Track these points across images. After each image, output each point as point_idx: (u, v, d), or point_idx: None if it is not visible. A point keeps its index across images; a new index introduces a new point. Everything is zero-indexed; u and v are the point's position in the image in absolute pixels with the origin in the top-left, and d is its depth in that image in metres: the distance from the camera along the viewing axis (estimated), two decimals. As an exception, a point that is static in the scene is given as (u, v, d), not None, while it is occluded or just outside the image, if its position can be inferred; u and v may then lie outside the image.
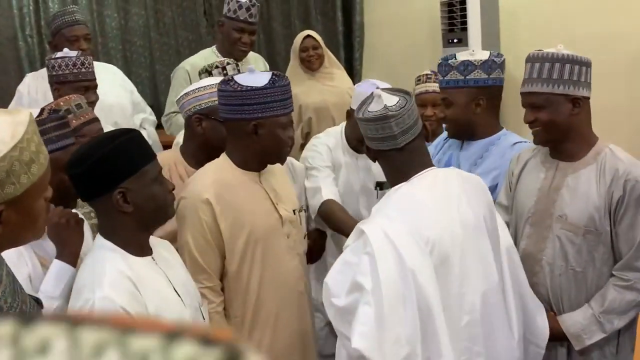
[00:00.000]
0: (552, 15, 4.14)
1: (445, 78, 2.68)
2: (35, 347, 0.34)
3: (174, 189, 1.97)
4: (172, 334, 0.35)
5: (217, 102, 2.42)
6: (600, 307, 2.31)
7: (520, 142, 2.71)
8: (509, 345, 2.14)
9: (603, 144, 2.37)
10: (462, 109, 2.66)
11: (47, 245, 1.99)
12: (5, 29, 5.14)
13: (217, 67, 3.24)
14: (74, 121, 2.29)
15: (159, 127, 4.23)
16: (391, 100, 2.07)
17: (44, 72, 3.66)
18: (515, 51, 4.15)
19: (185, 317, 1.95)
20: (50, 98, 3.35)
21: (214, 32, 5.39)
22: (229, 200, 2.28)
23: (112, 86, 3.89)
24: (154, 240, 2.00)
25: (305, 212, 2.84)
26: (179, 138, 3.12)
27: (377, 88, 2.85)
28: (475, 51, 2.73)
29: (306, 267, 2.63)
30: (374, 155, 2.16)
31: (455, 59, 2.67)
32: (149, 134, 3.89)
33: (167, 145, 3.62)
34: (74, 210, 2.08)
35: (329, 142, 3.15)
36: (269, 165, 2.40)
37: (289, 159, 2.86)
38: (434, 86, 3.45)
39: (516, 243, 2.37)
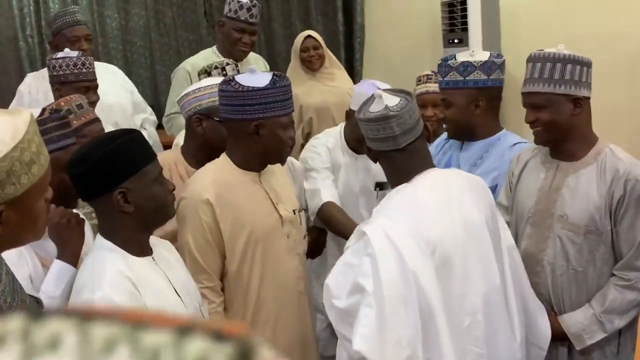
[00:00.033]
0: (553, 16, 4.14)
1: (445, 79, 2.68)
2: (45, 342, 0.34)
3: (174, 189, 1.97)
4: (184, 329, 0.35)
5: (217, 102, 2.42)
6: (601, 306, 2.31)
7: (520, 142, 2.72)
8: (511, 346, 2.14)
9: (603, 144, 2.37)
10: (462, 110, 2.66)
11: (48, 245, 1.99)
12: (6, 29, 5.14)
13: (216, 67, 3.24)
14: (74, 121, 2.30)
15: (159, 127, 4.23)
16: (392, 101, 2.06)
17: (44, 72, 3.67)
18: (516, 51, 4.15)
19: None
20: (51, 98, 3.35)
21: (215, 32, 5.39)
22: (229, 200, 2.28)
23: (113, 86, 3.89)
24: (154, 240, 2.00)
25: (305, 212, 2.83)
26: (179, 139, 3.12)
27: (378, 89, 2.86)
28: (475, 52, 2.73)
29: (306, 267, 2.63)
30: (375, 156, 2.16)
31: (455, 59, 2.67)
32: (150, 134, 3.89)
33: (167, 146, 3.62)
34: (74, 211, 2.09)
35: (328, 143, 3.14)
36: (269, 166, 2.40)
37: (290, 159, 2.85)
38: (434, 86, 3.45)
39: (517, 243, 2.37)
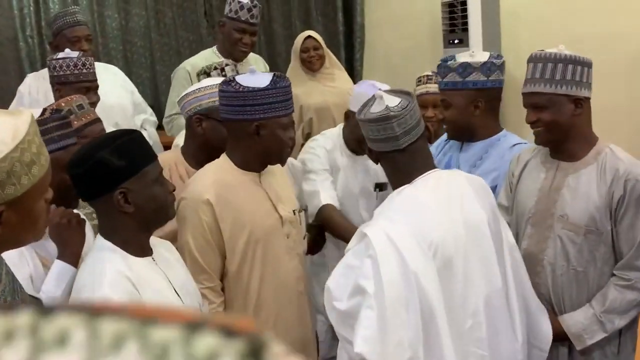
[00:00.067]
0: (553, 16, 4.13)
1: (444, 80, 2.68)
2: (53, 337, 0.34)
3: (174, 190, 1.97)
4: (194, 324, 0.35)
5: (217, 102, 2.43)
6: (602, 306, 2.31)
7: (520, 143, 2.72)
8: (513, 348, 2.13)
9: (603, 144, 2.37)
10: (461, 111, 2.66)
11: (49, 245, 1.99)
12: (6, 30, 5.14)
13: (215, 68, 3.24)
14: (75, 122, 2.30)
15: (159, 127, 4.23)
16: (393, 101, 2.06)
17: (45, 72, 3.67)
18: (516, 51, 4.15)
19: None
20: (51, 98, 3.35)
21: (215, 32, 5.39)
22: (230, 200, 2.28)
23: (113, 87, 3.90)
24: (154, 241, 2.01)
25: (305, 212, 2.83)
26: (179, 139, 3.12)
27: (379, 90, 2.85)
28: (474, 52, 2.73)
29: (306, 267, 2.64)
30: (376, 157, 2.15)
31: (455, 60, 2.67)
32: (150, 135, 3.89)
33: (167, 146, 3.62)
34: (75, 211, 2.09)
35: (326, 144, 3.13)
36: (269, 166, 2.40)
37: (290, 159, 2.85)
38: (434, 87, 3.45)
39: (517, 243, 2.37)
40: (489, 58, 2.66)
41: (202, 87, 2.66)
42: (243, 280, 2.31)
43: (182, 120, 2.95)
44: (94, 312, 0.35)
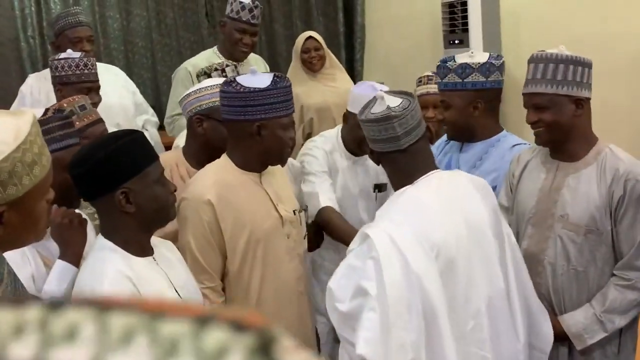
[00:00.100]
0: (553, 16, 4.14)
1: (444, 81, 2.68)
2: (63, 332, 0.34)
3: (175, 191, 1.98)
4: (203, 319, 0.35)
5: (217, 102, 2.43)
6: (602, 306, 2.31)
7: (520, 144, 2.72)
8: (515, 349, 2.12)
9: (603, 144, 2.38)
10: (460, 112, 2.67)
11: (51, 245, 2.00)
12: (7, 30, 5.14)
13: (216, 69, 3.25)
14: (77, 123, 2.30)
15: (160, 128, 4.24)
16: (394, 102, 2.06)
17: (46, 73, 3.67)
18: (517, 52, 4.16)
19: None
20: (52, 99, 3.36)
21: (216, 33, 5.40)
22: (230, 200, 2.28)
23: (115, 87, 3.90)
24: (155, 241, 2.01)
25: (305, 212, 2.82)
26: (179, 140, 3.13)
27: (380, 90, 2.85)
28: (474, 53, 2.73)
29: (306, 267, 2.64)
30: (378, 158, 2.14)
31: (454, 61, 2.67)
32: (151, 135, 3.89)
33: (169, 147, 3.62)
34: (77, 211, 2.09)
35: (325, 146, 3.10)
36: (269, 166, 2.41)
37: (289, 159, 2.85)
38: (435, 88, 3.44)
39: (518, 243, 2.37)
40: (488, 59, 2.66)
41: (202, 88, 2.67)
42: (244, 280, 2.32)
43: (184, 121, 2.96)
44: (104, 306, 0.35)
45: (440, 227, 1.99)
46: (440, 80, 2.71)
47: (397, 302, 1.87)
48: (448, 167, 2.72)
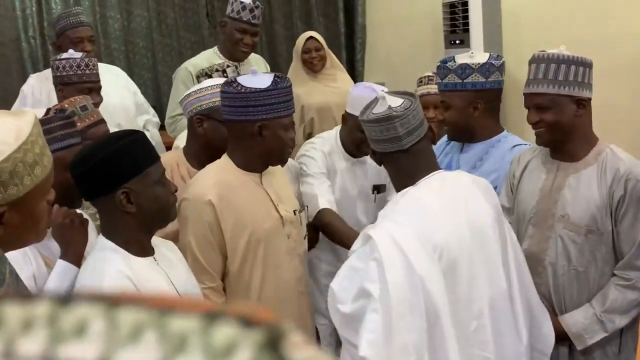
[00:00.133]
0: (554, 16, 4.14)
1: (444, 81, 2.68)
2: (72, 327, 0.34)
3: (176, 191, 1.98)
4: (212, 314, 0.35)
5: (218, 102, 2.43)
6: (602, 306, 2.31)
7: (521, 144, 2.72)
8: (517, 350, 2.11)
9: (604, 144, 2.38)
10: (460, 112, 2.66)
11: (52, 245, 2.00)
12: (8, 30, 5.15)
13: (217, 70, 3.25)
14: (78, 124, 2.30)
15: (162, 128, 4.24)
16: (395, 102, 2.06)
17: (47, 73, 3.68)
18: (517, 52, 4.16)
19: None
20: (54, 99, 3.36)
21: (217, 33, 5.40)
22: (231, 201, 2.28)
23: (116, 87, 3.91)
24: (156, 241, 2.01)
25: (305, 210, 2.81)
26: (179, 141, 3.13)
27: (374, 91, 2.85)
28: (474, 53, 2.73)
29: (306, 267, 2.64)
30: (379, 158, 2.13)
31: (454, 61, 2.66)
32: (152, 136, 3.89)
33: (170, 147, 3.62)
34: (78, 211, 2.09)
35: (324, 147, 3.09)
36: (269, 166, 2.41)
37: (289, 159, 2.85)
38: (435, 88, 3.44)
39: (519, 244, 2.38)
40: (488, 59, 2.66)
41: (203, 88, 2.67)
42: (244, 280, 2.32)
43: (185, 121, 2.96)
44: (113, 302, 0.35)
45: (442, 228, 1.98)
46: (440, 81, 2.71)
47: (399, 303, 1.86)
48: (448, 167, 2.72)
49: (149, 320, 0.34)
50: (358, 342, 1.87)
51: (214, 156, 2.44)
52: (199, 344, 0.34)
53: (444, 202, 2.03)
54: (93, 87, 3.18)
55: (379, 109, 2.05)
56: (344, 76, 4.44)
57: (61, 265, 1.95)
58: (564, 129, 2.34)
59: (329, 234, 2.97)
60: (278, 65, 5.63)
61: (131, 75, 4.71)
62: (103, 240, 1.89)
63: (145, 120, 4.13)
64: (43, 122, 1.87)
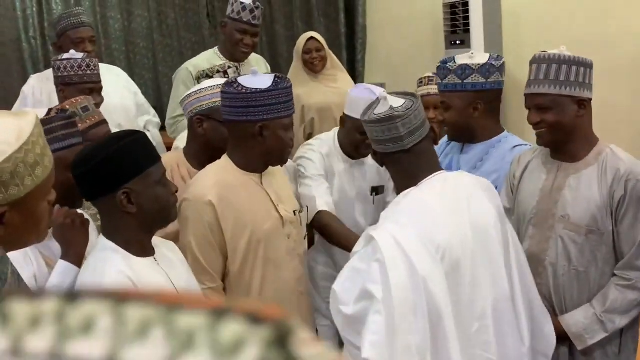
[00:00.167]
0: (554, 17, 4.14)
1: (444, 82, 2.68)
2: (79, 324, 0.34)
3: (177, 192, 1.98)
4: (219, 311, 0.35)
5: (218, 103, 2.44)
6: (602, 306, 2.31)
7: (521, 145, 2.72)
8: (520, 352, 2.11)
9: (604, 144, 2.38)
10: (460, 113, 2.66)
11: (53, 245, 2.00)
12: (9, 31, 5.15)
13: (218, 71, 3.25)
14: (79, 125, 2.30)
15: (162, 128, 4.24)
16: (397, 102, 2.05)
17: (48, 73, 3.68)
18: (518, 52, 4.16)
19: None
20: (54, 100, 3.37)
21: (217, 33, 5.40)
22: (231, 201, 2.29)
23: (116, 88, 3.91)
24: (157, 241, 2.01)
25: (305, 211, 2.81)
26: (178, 142, 3.13)
27: (383, 92, 2.84)
28: (474, 54, 2.72)
29: (306, 268, 2.64)
30: (381, 159, 2.13)
31: (454, 62, 2.66)
32: (153, 136, 3.89)
33: (171, 147, 3.62)
34: (79, 211, 2.10)
35: (322, 149, 3.07)
36: (269, 167, 2.41)
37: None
38: (436, 88, 3.44)
39: (520, 245, 2.38)
40: (488, 60, 2.65)
41: (203, 88, 2.67)
42: (244, 281, 2.32)
43: (186, 122, 2.96)
44: (120, 298, 0.35)
45: (445, 229, 1.97)
46: (440, 82, 2.71)
47: (403, 305, 1.86)
48: (449, 168, 2.72)
49: (156, 316, 0.34)
50: (361, 344, 1.86)
51: (214, 156, 2.44)
52: (207, 341, 0.34)
53: (446, 203, 2.02)
54: (94, 88, 3.18)
55: (381, 109, 2.05)
56: (344, 77, 4.44)
57: (62, 265, 1.96)
58: (565, 130, 2.34)
59: (327, 236, 2.95)
60: (279, 66, 5.63)
61: (132, 75, 4.71)
62: (103, 241, 1.89)
63: (146, 120, 4.13)
64: (44, 122, 1.87)
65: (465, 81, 2.63)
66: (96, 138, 2.30)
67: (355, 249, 2.04)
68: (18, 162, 1.37)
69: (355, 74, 5.75)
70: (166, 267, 1.97)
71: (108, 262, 1.83)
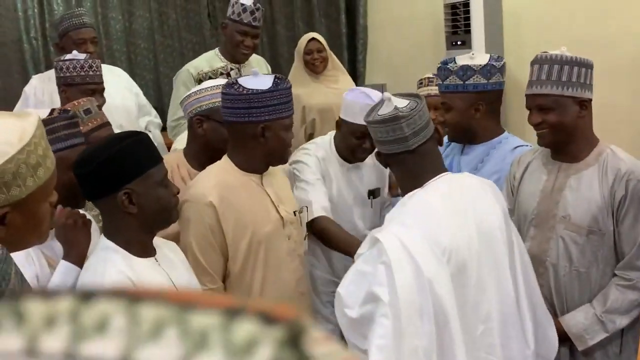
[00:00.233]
0: (555, 17, 4.15)
1: (445, 83, 2.67)
2: (94, 323, 0.34)
3: (178, 193, 1.99)
4: (232, 310, 0.35)
5: (217, 103, 2.44)
6: (603, 306, 2.32)
7: (522, 145, 2.71)
8: (524, 354, 2.09)
9: (604, 144, 2.39)
10: (461, 114, 2.66)
11: (55, 245, 2.01)
12: (10, 31, 5.15)
13: (221, 73, 3.24)
14: (81, 127, 2.30)
15: (163, 129, 4.24)
16: (401, 103, 2.04)
17: (50, 74, 3.68)
18: (519, 53, 4.17)
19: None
20: (56, 100, 3.37)
21: (218, 34, 5.40)
22: (232, 202, 2.29)
23: (118, 89, 3.91)
24: (159, 242, 2.02)
25: (305, 211, 2.80)
26: (177, 144, 3.13)
27: (368, 96, 2.83)
28: (475, 55, 2.72)
29: (307, 268, 2.63)
30: (385, 160, 2.11)
31: (455, 63, 2.66)
32: (154, 137, 3.88)
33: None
34: (81, 212, 2.10)
35: (317, 153, 3.04)
36: (270, 167, 2.42)
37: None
38: (436, 89, 3.43)
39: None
40: (489, 60, 2.65)
41: (203, 89, 2.67)
42: (245, 282, 2.32)
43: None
44: (134, 297, 0.35)
45: (450, 231, 1.96)
46: (441, 82, 2.71)
47: (409, 308, 1.84)
48: (449, 169, 2.71)
49: (170, 316, 0.34)
50: (368, 348, 1.84)
51: (214, 157, 2.44)
52: (220, 341, 0.34)
53: (451, 205, 2.01)
54: (96, 89, 3.18)
55: (385, 110, 2.04)
56: (345, 78, 4.43)
57: (64, 265, 1.96)
58: (566, 130, 2.34)
59: (325, 240, 2.91)
60: (279, 66, 5.64)
61: (132, 76, 4.71)
62: (104, 241, 1.90)
63: (147, 121, 4.13)
64: (47, 122, 1.87)
65: (466, 82, 2.63)
66: (99, 140, 2.31)
67: (359, 251, 2.02)
68: (20, 163, 1.37)
69: (356, 74, 5.75)
70: (167, 268, 1.97)
71: (108, 262, 1.84)
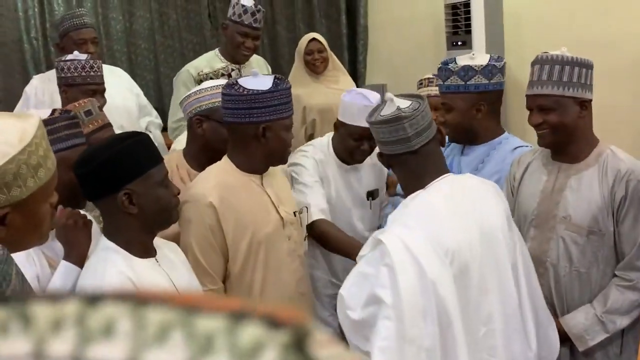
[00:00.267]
0: (556, 18, 4.15)
1: (446, 83, 2.67)
2: (100, 327, 0.34)
3: (179, 193, 1.99)
4: (238, 314, 0.35)
5: (217, 103, 2.44)
6: (603, 307, 2.32)
7: (522, 146, 2.71)
8: (526, 356, 2.09)
9: (604, 145, 2.39)
10: (462, 114, 2.65)
11: (56, 246, 2.01)
12: (10, 32, 5.15)
13: (223, 74, 3.24)
14: (82, 129, 2.30)
15: (164, 129, 4.24)
16: (404, 103, 2.04)
17: (51, 74, 3.68)
18: (519, 53, 4.17)
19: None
20: (57, 100, 3.38)
21: (218, 35, 5.40)
22: (232, 202, 2.29)
23: (119, 89, 3.91)
24: (159, 242, 2.02)
25: (305, 212, 2.80)
26: (176, 145, 3.12)
27: (366, 97, 2.83)
28: (475, 55, 2.71)
29: (307, 268, 2.63)
30: (388, 161, 2.10)
31: (456, 63, 2.65)
32: (155, 137, 3.88)
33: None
34: (82, 212, 2.10)
35: (315, 155, 3.03)
36: (270, 168, 2.42)
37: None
38: (436, 90, 3.43)
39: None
40: (489, 61, 2.65)
41: (202, 89, 2.67)
42: (245, 282, 2.32)
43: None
44: (140, 301, 0.35)
45: (453, 232, 1.95)
46: (441, 83, 2.71)
47: (412, 310, 1.83)
48: (449, 170, 2.71)
49: (176, 319, 0.34)
50: (371, 350, 1.84)
51: (214, 158, 2.44)
52: (226, 345, 0.34)
53: (454, 206, 2.00)
54: (97, 89, 3.18)
55: (388, 110, 2.03)
56: (345, 78, 4.43)
57: (64, 266, 1.96)
58: (567, 130, 2.34)
59: (325, 243, 2.89)
60: (280, 67, 5.64)
61: (133, 76, 4.71)
62: (105, 241, 1.90)
63: (147, 121, 4.13)
64: (48, 122, 1.88)
65: (468, 82, 2.62)
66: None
67: (361, 252, 2.01)
68: (21, 163, 1.37)
69: (357, 74, 5.75)
70: (167, 268, 1.97)
71: (109, 263, 1.84)
